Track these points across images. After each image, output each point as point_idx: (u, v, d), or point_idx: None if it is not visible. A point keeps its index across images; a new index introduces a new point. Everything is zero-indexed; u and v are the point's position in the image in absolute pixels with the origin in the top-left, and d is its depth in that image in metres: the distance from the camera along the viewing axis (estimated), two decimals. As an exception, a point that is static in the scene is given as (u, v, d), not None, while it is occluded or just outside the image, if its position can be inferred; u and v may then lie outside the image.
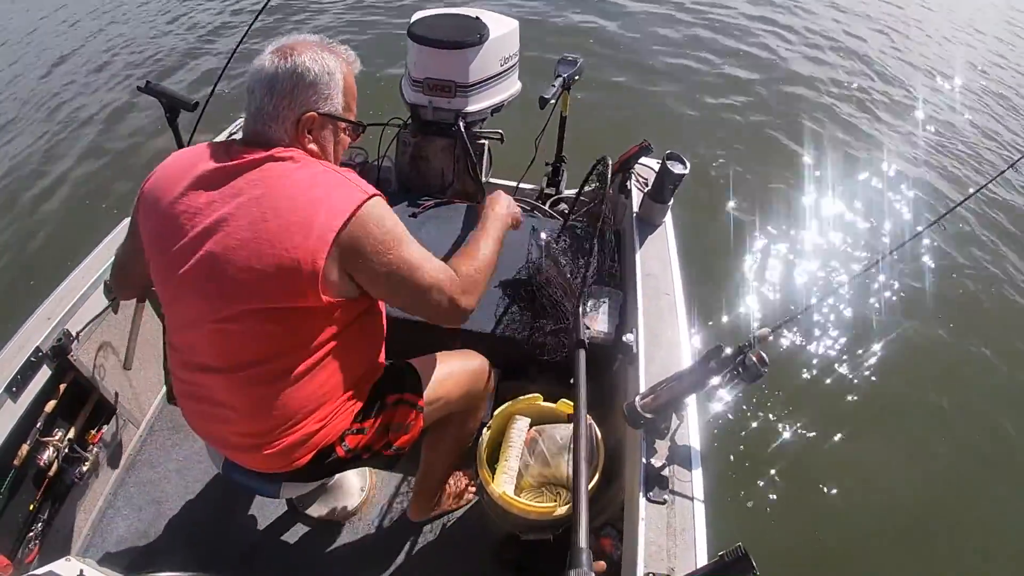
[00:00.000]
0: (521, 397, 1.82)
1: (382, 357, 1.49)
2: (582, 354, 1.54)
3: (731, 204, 4.38)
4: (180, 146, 2.16)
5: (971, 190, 2.14)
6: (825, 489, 2.77)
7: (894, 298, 3.77)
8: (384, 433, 1.43)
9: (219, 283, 1.15)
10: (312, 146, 1.26)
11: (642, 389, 1.51)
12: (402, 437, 1.48)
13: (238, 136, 2.45)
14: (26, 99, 5.90)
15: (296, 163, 1.18)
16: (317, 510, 2.10)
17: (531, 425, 1.79)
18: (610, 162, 1.84)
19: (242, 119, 2.61)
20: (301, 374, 1.22)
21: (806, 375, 3.26)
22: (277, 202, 1.13)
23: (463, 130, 2.41)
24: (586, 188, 2.15)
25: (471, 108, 2.38)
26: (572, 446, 1.33)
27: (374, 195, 1.19)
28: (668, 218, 2.15)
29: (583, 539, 1.02)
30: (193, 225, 1.16)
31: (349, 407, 1.36)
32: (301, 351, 1.22)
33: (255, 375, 1.21)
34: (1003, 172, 1.92)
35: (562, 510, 1.56)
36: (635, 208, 2.20)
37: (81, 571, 1.34)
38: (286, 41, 1.23)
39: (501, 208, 1.58)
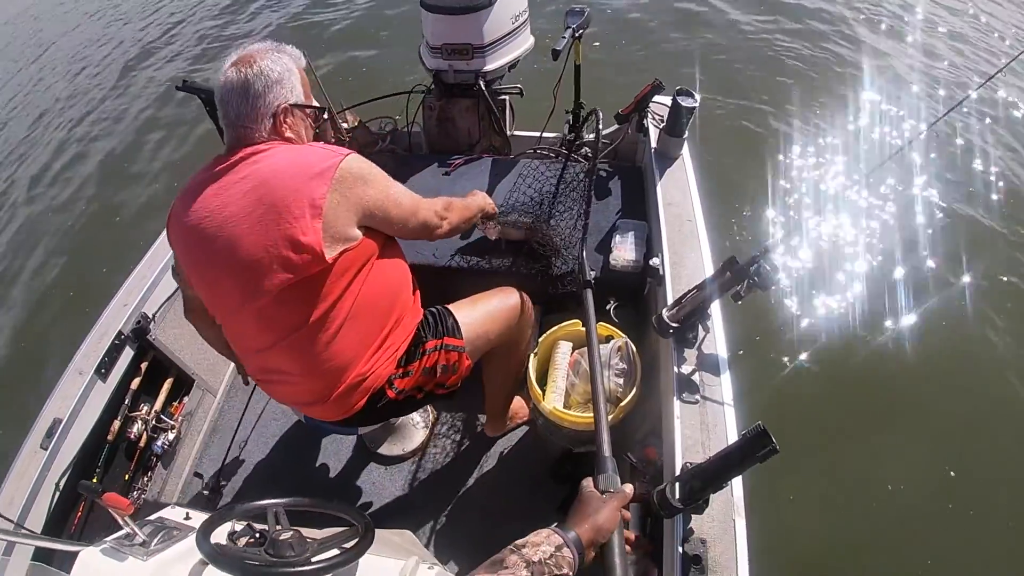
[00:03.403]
0: (562, 324, 1.99)
1: (417, 303, 1.64)
2: (589, 294, 1.70)
3: (744, 129, 4.46)
4: (223, 136, 2.33)
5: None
6: (850, 383, 2.94)
7: (900, 193, 3.87)
8: (432, 375, 1.60)
9: (242, 271, 1.31)
10: (289, 134, 1.43)
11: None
12: (451, 377, 1.64)
13: None
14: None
15: (274, 149, 1.36)
16: (388, 449, 2.32)
17: (573, 349, 1.96)
18: (600, 114, 1.94)
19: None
20: (335, 330, 1.40)
21: (821, 280, 3.39)
22: (269, 184, 1.30)
23: (484, 89, 2.55)
24: (604, 131, 2.28)
25: (489, 67, 2.51)
26: (589, 371, 1.46)
27: (351, 152, 1.37)
28: (685, 150, 2.27)
29: (606, 449, 1.22)
30: (207, 231, 1.34)
31: (390, 353, 1.52)
32: (327, 310, 1.37)
33: (297, 340, 1.39)
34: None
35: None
36: (653, 144, 2.32)
37: (187, 514, 1.55)
38: (241, 53, 1.41)
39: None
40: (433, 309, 1.66)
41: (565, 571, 0.87)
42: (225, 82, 1.38)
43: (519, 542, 0.90)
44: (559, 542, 0.90)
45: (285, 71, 1.40)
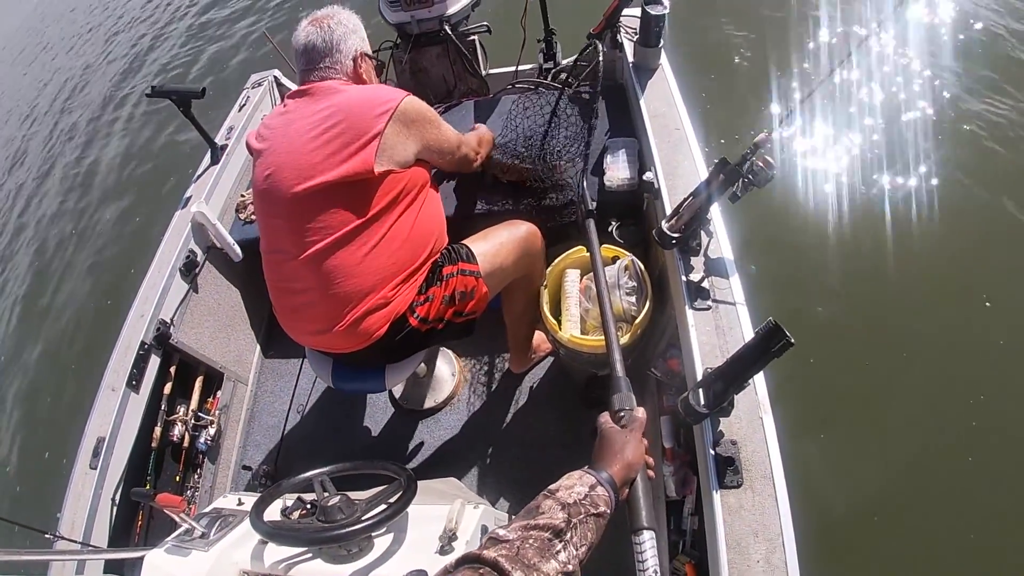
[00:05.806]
0: (566, 253, 2.00)
1: (443, 240, 1.73)
2: (591, 224, 1.72)
3: (717, 28, 4.31)
4: (202, 132, 2.35)
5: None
6: (857, 277, 2.92)
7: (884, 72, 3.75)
8: (451, 302, 1.66)
9: (296, 168, 1.50)
10: (365, 76, 1.71)
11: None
12: (469, 303, 1.70)
13: (251, 100, 2.66)
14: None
15: (351, 85, 1.64)
16: (421, 403, 2.39)
17: (582, 275, 1.98)
18: (601, 48, 1.92)
19: (249, 89, 2.79)
20: (370, 248, 1.52)
21: (818, 167, 3.35)
22: (341, 107, 1.52)
23: (450, 33, 2.49)
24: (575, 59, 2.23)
25: (452, 10, 2.45)
26: (598, 297, 1.48)
27: (410, 94, 1.60)
28: (663, 59, 2.22)
29: (619, 369, 1.25)
30: (275, 134, 1.59)
31: (413, 281, 1.61)
32: (366, 222, 1.51)
33: (323, 251, 1.50)
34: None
35: (625, 339, 1.75)
36: (630, 58, 2.28)
37: (239, 499, 1.60)
38: (315, 15, 1.66)
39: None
40: (448, 245, 1.77)
41: (602, 509, 0.86)
42: (308, 35, 1.64)
43: (552, 487, 0.89)
44: (592, 482, 0.89)
45: (357, 25, 1.70)
